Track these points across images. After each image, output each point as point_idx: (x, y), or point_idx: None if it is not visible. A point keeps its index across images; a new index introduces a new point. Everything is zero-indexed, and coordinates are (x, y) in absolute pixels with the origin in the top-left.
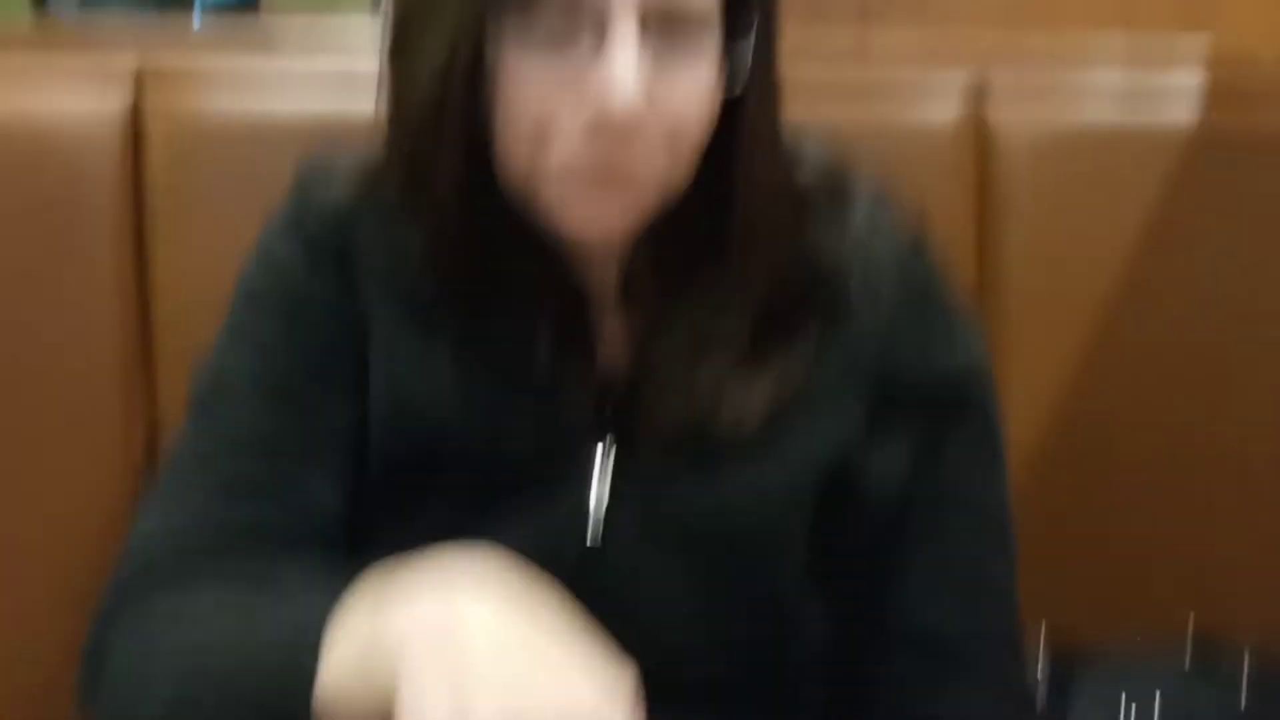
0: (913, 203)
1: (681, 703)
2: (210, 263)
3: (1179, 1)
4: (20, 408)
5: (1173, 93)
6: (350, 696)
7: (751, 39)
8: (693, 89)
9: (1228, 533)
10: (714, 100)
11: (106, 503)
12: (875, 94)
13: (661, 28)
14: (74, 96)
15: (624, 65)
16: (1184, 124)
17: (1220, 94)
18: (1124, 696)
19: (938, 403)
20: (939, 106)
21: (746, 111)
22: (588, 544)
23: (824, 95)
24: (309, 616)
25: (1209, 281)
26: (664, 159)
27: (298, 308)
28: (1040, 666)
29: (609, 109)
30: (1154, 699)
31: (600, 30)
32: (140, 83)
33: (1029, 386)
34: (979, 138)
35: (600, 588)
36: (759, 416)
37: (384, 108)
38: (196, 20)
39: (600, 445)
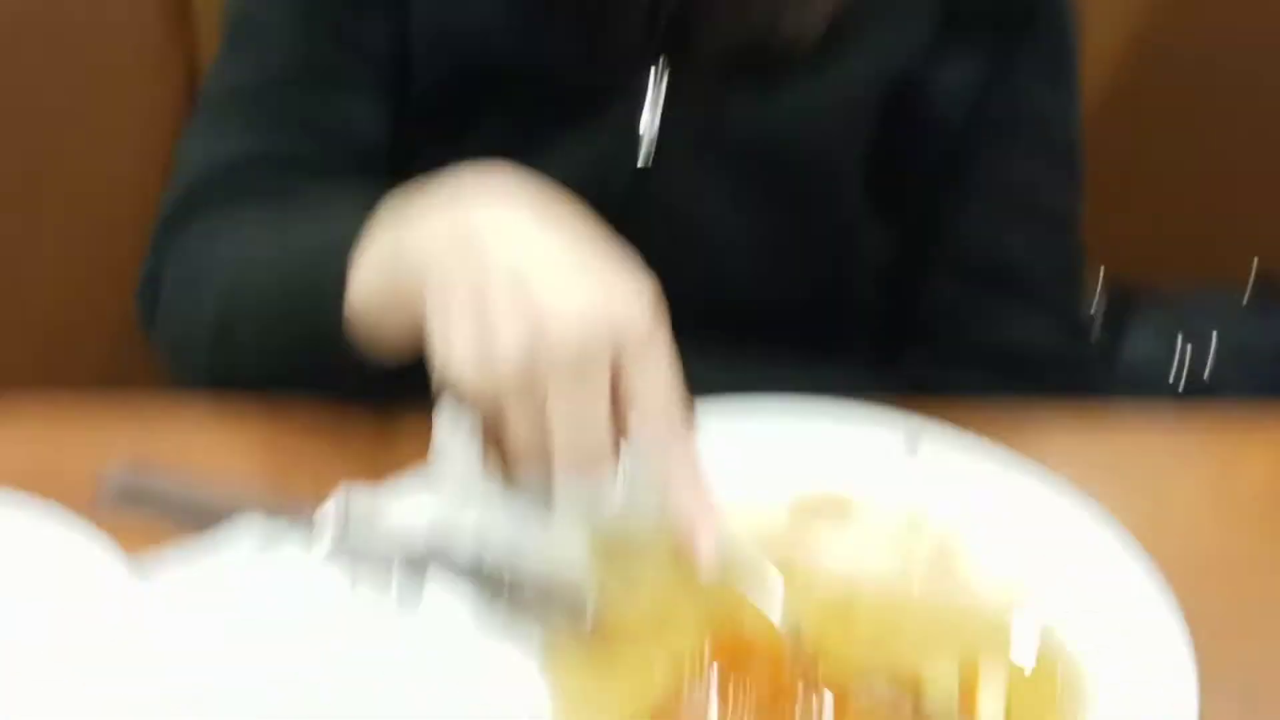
0: None
1: (737, 330)
2: None
3: None
4: (58, 50)
5: None
6: (380, 315)
7: None
8: None
9: None
10: None
11: (149, 142)
12: None
13: None
14: None
15: None
16: None
17: None
18: (1180, 332)
19: (1011, 15)
20: None
21: None
22: (639, 165)
23: None
24: (339, 231)
25: None
26: None
27: None
28: (1096, 304)
29: None
30: (1210, 335)
31: None
32: None
33: (1108, 6)
34: None
35: (652, 211)
36: (821, 29)
37: None
38: None
39: (652, 64)
